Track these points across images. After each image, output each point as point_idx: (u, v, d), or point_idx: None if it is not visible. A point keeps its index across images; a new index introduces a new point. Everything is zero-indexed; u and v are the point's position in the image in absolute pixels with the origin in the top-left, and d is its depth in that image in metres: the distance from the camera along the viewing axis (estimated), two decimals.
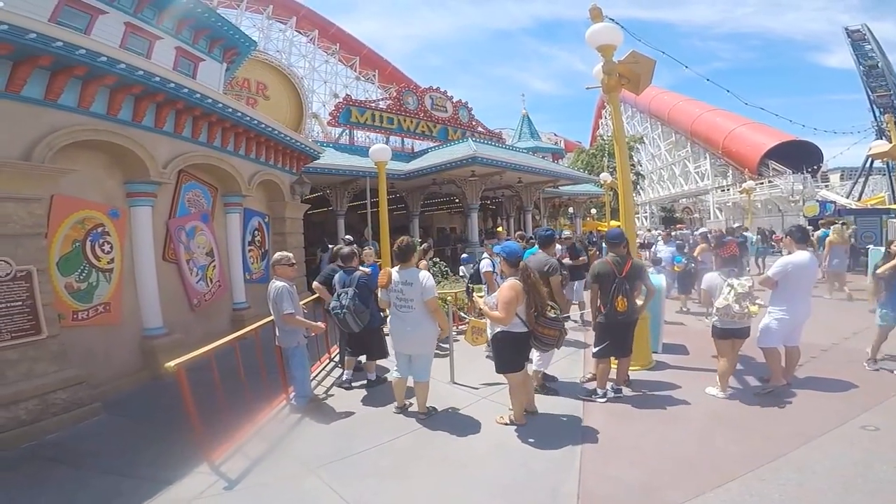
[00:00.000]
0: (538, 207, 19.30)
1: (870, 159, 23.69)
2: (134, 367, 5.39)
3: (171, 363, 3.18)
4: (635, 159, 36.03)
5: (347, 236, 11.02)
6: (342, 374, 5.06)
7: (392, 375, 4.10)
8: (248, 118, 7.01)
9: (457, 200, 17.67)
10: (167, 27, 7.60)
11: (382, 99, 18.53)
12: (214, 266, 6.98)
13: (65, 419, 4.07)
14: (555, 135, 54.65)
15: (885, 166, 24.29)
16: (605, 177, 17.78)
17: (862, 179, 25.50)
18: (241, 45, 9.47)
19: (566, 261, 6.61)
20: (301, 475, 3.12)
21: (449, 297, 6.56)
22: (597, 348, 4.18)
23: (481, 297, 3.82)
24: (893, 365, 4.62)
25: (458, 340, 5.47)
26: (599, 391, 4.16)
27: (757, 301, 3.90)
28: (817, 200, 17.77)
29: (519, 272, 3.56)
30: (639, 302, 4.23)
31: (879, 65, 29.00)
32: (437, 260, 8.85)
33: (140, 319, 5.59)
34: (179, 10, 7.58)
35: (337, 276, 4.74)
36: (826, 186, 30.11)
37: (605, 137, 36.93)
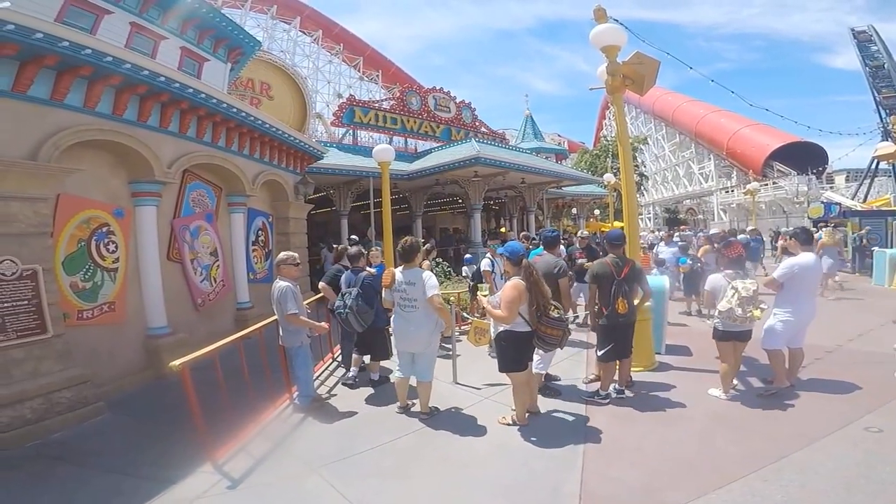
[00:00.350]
0: (541, 208, 19.24)
1: (875, 161, 23.51)
2: (138, 366, 5.42)
3: (176, 362, 3.19)
4: (639, 160, 35.95)
5: (353, 236, 11.04)
6: (346, 372, 5.08)
7: (395, 375, 4.11)
8: (252, 118, 7.04)
9: (460, 201, 17.68)
10: (172, 27, 7.64)
11: (386, 99, 18.51)
12: (218, 266, 7.01)
13: (69, 418, 4.10)
14: (558, 135, 54.54)
15: (890, 168, 24.11)
16: (608, 177, 17.75)
17: (867, 181, 25.31)
18: (246, 45, 9.51)
19: (581, 260, 6.57)
20: (304, 475, 3.14)
21: (452, 298, 6.57)
22: (601, 352, 4.16)
23: (485, 295, 3.82)
24: None
25: (460, 341, 5.47)
26: (602, 392, 4.16)
27: (761, 305, 3.88)
28: (822, 202, 17.63)
29: (522, 270, 3.56)
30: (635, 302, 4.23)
31: (885, 66, 28.80)
32: (440, 260, 8.86)
33: (144, 319, 5.62)
34: (184, 10, 7.62)
35: (344, 276, 4.76)
36: (831, 188, 29.91)
37: (608, 138, 36.84)
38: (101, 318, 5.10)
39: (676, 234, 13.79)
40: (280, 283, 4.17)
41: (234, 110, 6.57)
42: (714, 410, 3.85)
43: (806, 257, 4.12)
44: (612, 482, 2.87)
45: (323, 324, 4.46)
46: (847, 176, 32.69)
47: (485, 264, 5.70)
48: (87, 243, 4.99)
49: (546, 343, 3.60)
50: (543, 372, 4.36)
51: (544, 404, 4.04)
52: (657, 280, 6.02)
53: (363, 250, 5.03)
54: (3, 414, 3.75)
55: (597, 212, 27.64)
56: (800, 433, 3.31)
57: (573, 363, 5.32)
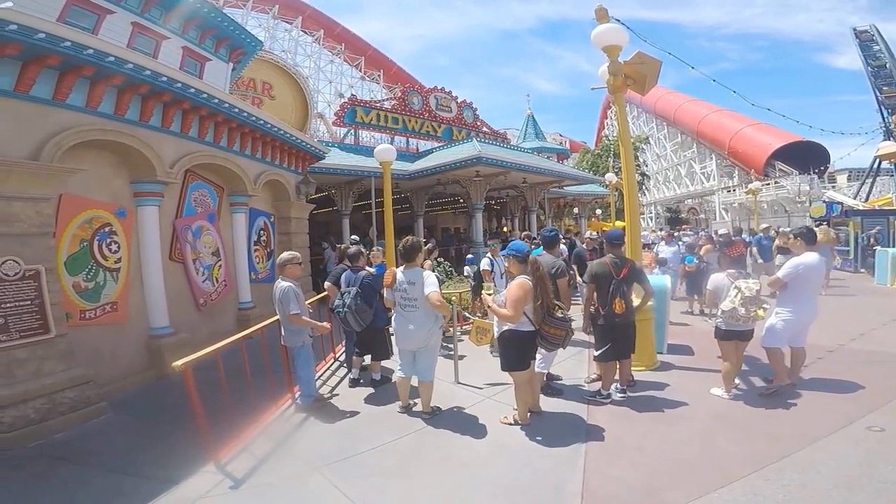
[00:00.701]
0: (543, 208, 19.22)
1: (877, 160, 23.45)
2: (140, 366, 5.43)
3: (179, 363, 3.20)
4: (641, 160, 35.94)
5: (354, 236, 11.06)
6: (347, 373, 5.09)
7: (396, 375, 4.12)
8: (253, 118, 7.05)
9: (461, 201, 17.66)
10: (174, 27, 7.65)
11: (387, 99, 18.52)
12: (220, 266, 7.03)
13: (72, 418, 4.11)
14: (560, 135, 54.51)
15: (892, 167, 24.04)
16: (610, 177, 17.73)
17: (869, 180, 25.25)
18: (247, 45, 9.52)
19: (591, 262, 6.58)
20: (306, 474, 3.14)
21: (453, 298, 6.57)
22: (599, 352, 4.16)
23: (490, 294, 3.82)
24: None
25: (462, 340, 5.48)
26: (604, 392, 4.16)
27: (764, 305, 3.88)
28: (824, 201, 17.56)
29: (528, 266, 3.57)
30: (636, 301, 4.22)
31: (887, 65, 28.71)
32: (442, 260, 8.86)
33: (147, 319, 5.64)
34: (186, 10, 7.63)
35: (343, 276, 4.77)
36: (833, 187, 29.83)
37: (610, 138, 36.82)
38: (104, 318, 5.11)
39: (676, 233, 13.77)
40: (282, 283, 4.18)
41: (236, 110, 6.58)
42: (716, 410, 3.84)
43: (811, 257, 4.10)
44: (614, 482, 2.87)
45: (325, 324, 4.47)
46: (849, 175, 32.60)
47: (484, 264, 5.71)
48: (90, 243, 5.00)
49: (549, 343, 3.61)
50: (545, 371, 4.36)
51: (546, 404, 4.04)
52: (659, 279, 6.02)
53: (362, 250, 5.04)
54: (6, 414, 3.76)
55: (598, 211, 27.62)
56: (802, 432, 3.31)
57: (575, 363, 5.31)
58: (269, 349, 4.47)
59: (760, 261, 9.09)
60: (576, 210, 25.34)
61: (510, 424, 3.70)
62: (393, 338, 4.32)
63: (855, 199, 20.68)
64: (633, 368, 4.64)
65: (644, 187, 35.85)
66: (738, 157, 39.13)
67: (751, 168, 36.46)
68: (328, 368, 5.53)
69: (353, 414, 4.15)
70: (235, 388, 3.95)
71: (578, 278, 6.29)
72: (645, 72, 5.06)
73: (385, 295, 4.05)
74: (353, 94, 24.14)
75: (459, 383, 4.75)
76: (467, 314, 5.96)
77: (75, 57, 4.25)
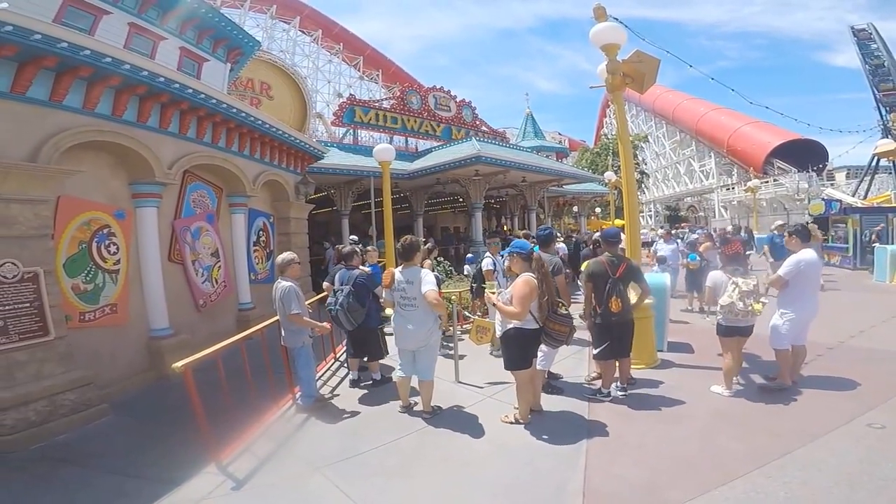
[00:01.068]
0: (542, 206, 19.23)
1: (876, 157, 23.47)
2: (140, 367, 5.42)
3: (179, 364, 3.19)
4: (639, 158, 35.95)
5: (353, 236, 11.05)
6: (348, 373, 5.09)
7: (396, 375, 4.12)
8: (252, 118, 7.04)
9: (461, 200, 17.66)
10: (171, 27, 7.63)
11: (386, 99, 18.51)
12: (220, 267, 7.02)
13: (73, 420, 4.10)
14: (559, 134, 54.53)
15: (891, 165, 24.06)
16: (609, 175, 17.73)
17: (868, 178, 25.28)
18: (245, 46, 9.50)
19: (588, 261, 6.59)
20: (307, 475, 3.14)
21: (453, 297, 6.57)
22: (597, 350, 4.17)
23: (493, 293, 3.82)
24: None
25: (462, 339, 5.48)
26: (604, 390, 4.16)
27: (762, 299, 3.88)
28: (823, 199, 17.58)
29: (533, 263, 3.58)
30: (633, 300, 4.22)
31: (885, 64, 28.74)
32: (442, 259, 8.86)
33: (146, 320, 5.63)
34: (183, 11, 7.61)
35: (338, 274, 4.78)
36: (832, 185, 29.86)
37: (609, 136, 36.79)
38: (103, 319, 5.10)
39: (674, 231, 13.77)
40: (283, 283, 4.17)
41: (234, 110, 6.56)
42: (716, 407, 3.85)
43: (809, 253, 4.09)
44: (615, 480, 2.87)
45: (325, 324, 4.46)
46: (847, 173, 32.67)
47: (487, 264, 5.69)
48: (88, 245, 4.99)
49: (554, 339, 3.63)
50: (546, 369, 4.37)
51: (547, 402, 4.04)
52: (658, 277, 6.02)
53: (357, 249, 5.04)
54: (7, 416, 3.75)
55: (598, 210, 27.64)
56: (803, 429, 3.31)
57: (576, 361, 5.31)
58: (269, 350, 4.46)
59: (772, 260, 9.01)
60: (575, 209, 25.37)
61: (511, 423, 3.70)
62: (389, 338, 4.32)
63: (854, 196, 20.72)
64: (633, 366, 4.64)
65: (643, 185, 35.88)
66: (736, 155, 39.18)
67: (750, 166, 36.49)
68: (328, 369, 5.53)
69: (354, 414, 4.15)
70: (236, 388, 3.95)
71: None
72: (643, 70, 5.06)
73: (384, 296, 4.04)
74: (351, 94, 24.14)
75: (460, 382, 4.75)
76: (467, 313, 5.96)
77: (72, 58, 4.23)
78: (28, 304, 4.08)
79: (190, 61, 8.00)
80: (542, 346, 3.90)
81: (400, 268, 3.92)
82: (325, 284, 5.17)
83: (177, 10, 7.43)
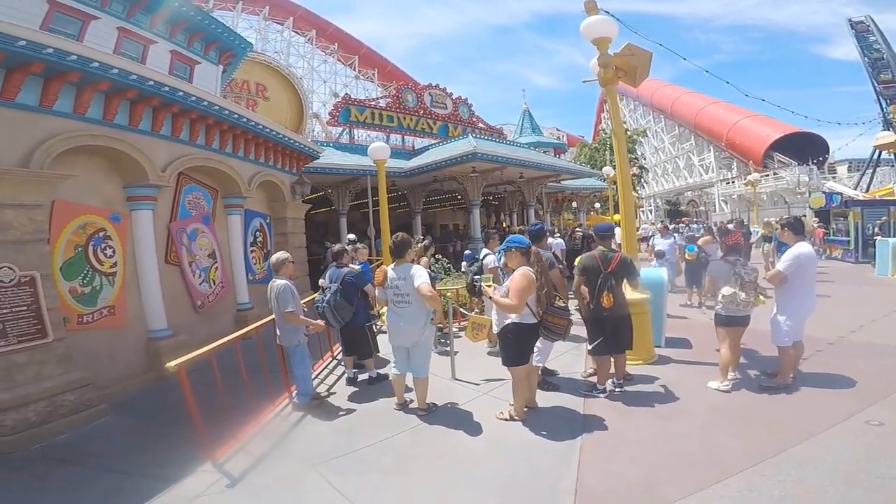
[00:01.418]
0: (541, 202, 19.21)
1: (878, 150, 23.36)
2: (139, 368, 5.45)
3: (172, 363, 3.21)
4: (639, 153, 35.77)
5: (351, 235, 11.05)
6: (344, 371, 5.11)
7: (391, 372, 4.12)
8: (245, 120, 7.04)
9: (459, 197, 17.66)
10: (161, 31, 7.61)
11: (381, 97, 18.49)
12: (217, 267, 7.03)
13: (73, 420, 4.14)
14: (557, 130, 54.33)
15: (892, 157, 23.95)
16: (607, 171, 17.70)
17: (870, 171, 25.17)
18: (237, 47, 9.48)
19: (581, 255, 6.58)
20: (302, 472, 3.15)
21: (449, 294, 6.57)
22: (591, 345, 4.17)
23: (489, 286, 3.82)
24: None
25: (459, 337, 5.48)
26: (599, 386, 4.15)
27: (766, 292, 3.88)
28: (823, 192, 17.51)
29: (532, 256, 3.59)
30: (635, 294, 4.22)
31: (885, 56, 28.56)
32: (440, 256, 8.85)
33: (144, 321, 5.65)
34: (172, 14, 7.57)
35: (328, 273, 4.80)
36: (834, 178, 29.76)
37: (607, 131, 36.59)
38: (102, 321, 5.12)
39: (673, 225, 13.73)
40: (278, 282, 4.19)
41: (226, 112, 6.56)
42: (713, 403, 3.83)
43: (806, 246, 4.01)
44: (609, 476, 2.86)
45: (320, 321, 4.47)
46: (849, 166, 32.53)
47: (492, 261, 5.65)
48: (85, 248, 5.01)
49: (552, 333, 3.63)
50: (541, 365, 4.36)
51: (542, 399, 4.04)
52: (656, 272, 6.00)
53: (346, 248, 5.05)
54: (7, 417, 3.79)
55: (597, 205, 27.57)
56: (800, 427, 3.28)
57: (573, 357, 5.30)
58: (265, 349, 4.48)
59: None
60: (574, 204, 25.30)
61: (506, 420, 3.70)
62: (381, 336, 4.33)
63: (856, 189, 20.61)
64: (630, 362, 4.64)
65: (643, 180, 35.75)
66: (736, 149, 39.05)
67: (749, 159, 36.37)
68: (326, 367, 5.55)
69: (350, 412, 4.17)
70: (233, 388, 3.97)
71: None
72: (635, 63, 5.04)
73: (377, 294, 4.04)
74: (347, 94, 24.11)
75: (456, 379, 4.76)
76: (464, 311, 5.95)
77: (59, 63, 4.26)
78: (26, 308, 4.11)
79: (182, 64, 7.98)
80: (538, 343, 3.90)
81: (392, 265, 3.93)
82: (321, 282, 5.19)
83: (165, 13, 7.39)
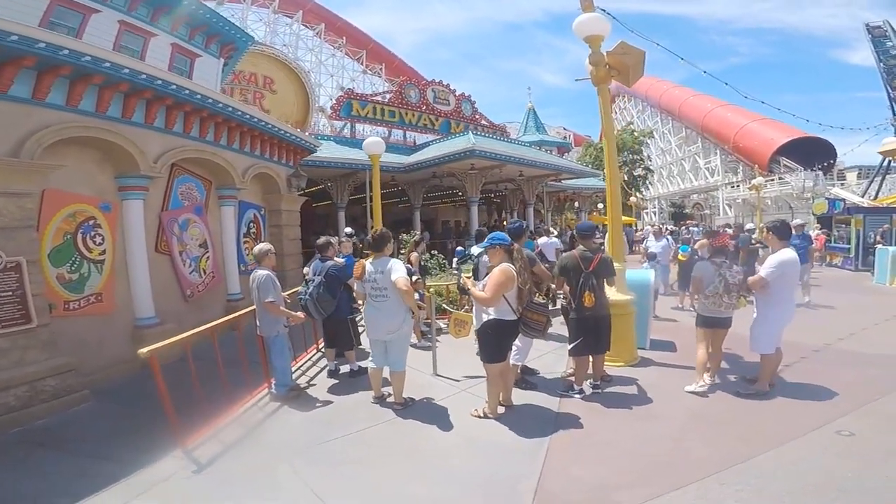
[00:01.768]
0: (542, 201, 19.15)
1: (888, 159, 22.97)
2: (126, 355, 5.46)
3: (144, 350, 3.26)
4: (645, 154, 35.48)
5: (348, 228, 11.08)
6: (327, 364, 5.15)
7: (368, 366, 4.15)
8: (239, 113, 7.07)
9: (461, 194, 17.64)
10: (162, 24, 7.66)
11: (384, 92, 18.49)
12: (208, 257, 7.09)
13: (54, 405, 4.20)
14: (564, 129, 54.05)
15: None
16: None
17: (879, 178, 24.76)
18: (238, 41, 9.52)
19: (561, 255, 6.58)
20: (271, 462, 3.18)
21: (441, 290, 6.59)
22: (571, 345, 4.16)
23: (469, 277, 3.84)
24: None
25: (447, 333, 5.49)
26: (576, 387, 4.15)
27: (746, 295, 3.87)
28: (826, 198, 17.32)
29: (514, 252, 3.62)
30: (619, 295, 4.21)
31: None
32: (435, 252, 8.86)
33: (132, 309, 5.71)
34: (174, 8, 7.62)
35: (312, 265, 4.83)
36: (842, 184, 29.35)
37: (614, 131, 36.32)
38: (89, 308, 5.18)
39: (665, 227, 13.60)
40: (260, 272, 4.22)
41: (220, 105, 6.59)
42: (689, 408, 3.80)
43: (790, 253, 3.95)
44: (569, 479, 2.85)
45: (300, 313, 4.49)
46: (859, 173, 32.08)
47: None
48: (73, 236, 5.06)
49: (531, 329, 3.65)
50: (520, 364, 4.37)
51: (520, 397, 4.04)
52: (642, 273, 5.98)
53: (331, 240, 5.07)
54: None
55: (600, 205, 27.41)
56: (771, 435, 3.25)
57: (556, 357, 5.28)
58: (246, 339, 4.51)
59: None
60: (576, 204, 25.20)
61: (480, 417, 3.71)
62: (361, 329, 4.35)
63: (863, 196, 20.33)
64: (611, 364, 4.63)
65: (648, 182, 35.43)
66: (742, 153, 38.58)
67: (755, 163, 35.95)
68: (310, 359, 5.58)
69: (327, 403, 4.20)
70: (212, 377, 4.00)
71: None
72: (628, 62, 5.00)
73: (356, 287, 4.06)
74: (349, 88, 24.11)
75: (438, 375, 4.77)
76: (446, 306, 5.95)
77: (51, 57, 4.32)
78: (10, 293, 4.16)
79: (182, 57, 8.03)
80: (518, 341, 3.90)
81: (370, 259, 3.94)
82: (305, 270, 5.23)
83: (167, 7, 7.44)
